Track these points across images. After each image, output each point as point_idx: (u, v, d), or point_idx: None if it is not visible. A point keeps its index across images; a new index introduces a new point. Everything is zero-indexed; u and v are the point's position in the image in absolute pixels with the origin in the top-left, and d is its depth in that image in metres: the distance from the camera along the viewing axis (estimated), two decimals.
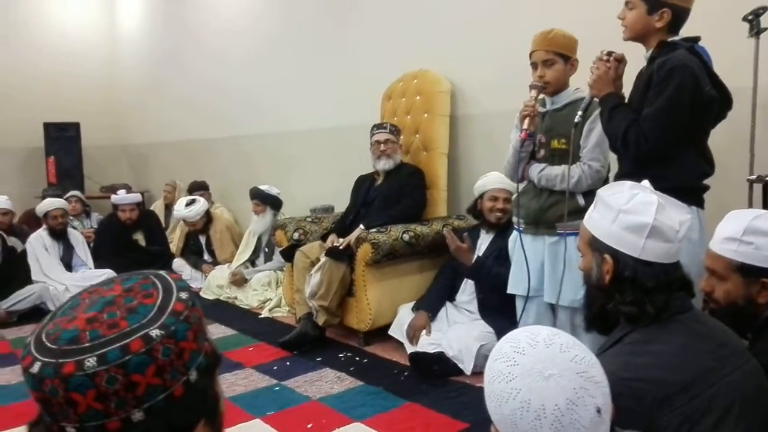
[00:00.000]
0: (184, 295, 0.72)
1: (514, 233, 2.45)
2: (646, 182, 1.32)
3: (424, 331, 2.96)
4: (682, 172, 1.94)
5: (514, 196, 2.42)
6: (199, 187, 5.46)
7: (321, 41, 4.64)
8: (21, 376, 0.73)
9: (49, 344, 0.66)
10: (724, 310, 1.45)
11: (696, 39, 1.96)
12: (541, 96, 2.37)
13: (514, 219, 2.45)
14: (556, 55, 2.28)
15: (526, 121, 2.24)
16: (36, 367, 0.65)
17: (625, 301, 1.22)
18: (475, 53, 3.58)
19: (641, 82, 1.99)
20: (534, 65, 2.33)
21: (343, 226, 3.57)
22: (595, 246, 1.27)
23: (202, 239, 5.03)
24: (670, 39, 1.94)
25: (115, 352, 0.65)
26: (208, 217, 4.96)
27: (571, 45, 2.31)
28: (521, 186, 2.41)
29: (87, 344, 0.65)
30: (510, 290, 2.48)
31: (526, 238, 2.37)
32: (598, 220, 1.28)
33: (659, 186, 1.34)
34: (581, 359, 0.86)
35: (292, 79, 4.92)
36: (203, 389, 0.72)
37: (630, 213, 1.22)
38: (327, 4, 4.60)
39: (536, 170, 2.34)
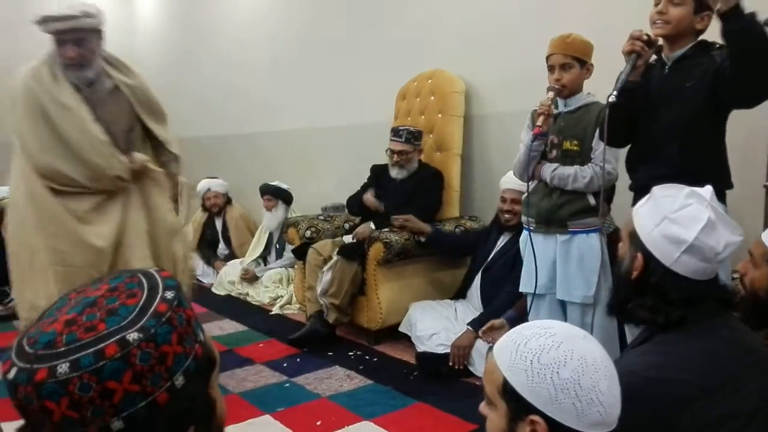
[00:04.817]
0: (169, 295, 0.67)
1: (524, 233, 2.47)
2: (708, 189, 1.25)
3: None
4: (726, 170, 1.99)
5: (524, 196, 2.44)
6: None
7: (335, 40, 4.65)
8: None
9: (27, 348, 0.63)
10: (747, 299, 1.42)
11: None
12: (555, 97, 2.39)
13: (524, 218, 2.47)
14: (573, 59, 2.30)
15: (541, 118, 2.27)
16: (12, 373, 0.63)
17: (644, 304, 1.21)
18: (490, 53, 3.57)
19: (695, 75, 1.92)
20: (551, 68, 2.35)
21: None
22: (634, 240, 1.25)
23: (218, 224, 5.10)
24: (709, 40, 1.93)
25: (88, 358, 0.61)
26: (227, 198, 5.13)
27: (588, 50, 2.34)
28: (531, 185, 2.42)
29: (62, 349, 0.62)
30: (521, 289, 2.53)
31: (536, 237, 2.40)
32: (644, 217, 1.25)
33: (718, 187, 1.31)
34: None
35: (307, 78, 4.93)
36: (192, 394, 0.67)
37: (674, 223, 1.18)
38: (341, 4, 4.60)
39: (549, 170, 2.37)
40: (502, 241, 3.07)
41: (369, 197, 3.56)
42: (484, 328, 2.76)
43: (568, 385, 0.85)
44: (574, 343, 0.89)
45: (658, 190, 1.27)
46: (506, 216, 3.01)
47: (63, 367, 0.61)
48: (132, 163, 2.54)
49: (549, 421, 0.86)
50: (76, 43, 2.38)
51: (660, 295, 1.19)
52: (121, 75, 2.57)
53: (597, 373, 0.87)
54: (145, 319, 0.64)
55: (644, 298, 1.21)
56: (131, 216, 2.56)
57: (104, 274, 2.43)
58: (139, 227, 2.57)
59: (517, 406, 0.88)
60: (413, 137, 3.46)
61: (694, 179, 1.60)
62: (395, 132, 3.47)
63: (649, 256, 1.21)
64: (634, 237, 1.25)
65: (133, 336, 0.63)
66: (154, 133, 2.70)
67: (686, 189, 1.23)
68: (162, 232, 2.64)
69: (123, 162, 2.50)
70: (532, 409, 0.87)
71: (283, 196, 4.61)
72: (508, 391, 0.89)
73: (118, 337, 0.62)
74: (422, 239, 3.23)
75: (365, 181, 3.71)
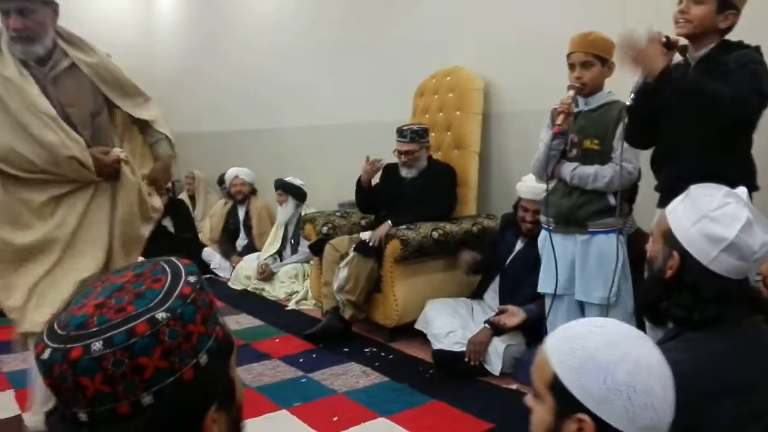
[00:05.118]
0: (192, 279, 0.72)
1: (543, 232, 2.46)
2: (742, 190, 1.26)
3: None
4: (753, 172, 1.97)
5: (542, 195, 2.43)
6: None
7: (354, 37, 4.65)
8: None
9: (59, 331, 0.67)
10: None
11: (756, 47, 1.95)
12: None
13: (543, 218, 2.46)
14: (594, 57, 2.31)
15: (561, 116, 2.27)
16: (46, 354, 0.66)
17: (679, 303, 1.20)
18: (510, 51, 3.55)
19: (719, 75, 1.89)
20: (572, 66, 2.35)
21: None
22: (669, 239, 1.24)
23: (241, 213, 5.14)
24: (733, 40, 1.92)
25: (121, 336, 0.65)
26: (252, 189, 5.18)
27: (609, 48, 2.32)
28: (551, 184, 2.40)
29: (94, 329, 0.66)
30: (540, 289, 2.52)
31: (555, 236, 2.39)
32: (680, 216, 1.24)
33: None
34: None
35: (326, 74, 4.94)
36: (215, 373, 0.72)
37: (714, 221, 1.18)
38: (363, 0, 4.60)
39: (569, 169, 2.36)
40: (520, 244, 3.04)
41: (365, 169, 3.59)
42: (500, 307, 2.74)
43: (622, 388, 0.83)
44: (630, 344, 0.87)
45: (695, 189, 1.26)
46: (528, 226, 2.94)
47: (97, 345, 0.65)
48: (105, 154, 2.34)
49: (597, 420, 0.84)
50: (20, 13, 2.19)
51: (695, 293, 1.18)
52: (79, 53, 2.36)
53: (652, 377, 0.85)
54: (171, 300, 0.69)
55: (679, 297, 1.20)
56: (95, 213, 2.36)
57: (49, 264, 2.24)
58: (100, 228, 2.36)
59: (566, 402, 0.86)
60: (418, 136, 3.44)
61: (719, 180, 1.58)
62: (400, 132, 3.47)
63: (685, 255, 1.20)
64: (668, 236, 1.24)
65: (161, 315, 0.67)
66: (133, 114, 2.54)
67: (724, 188, 1.23)
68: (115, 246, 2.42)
69: (78, 141, 2.28)
70: (581, 408, 0.85)
71: (293, 192, 4.62)
72: (557, 387, 0.88)
73: (147, 316, 0.67)
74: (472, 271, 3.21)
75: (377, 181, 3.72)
